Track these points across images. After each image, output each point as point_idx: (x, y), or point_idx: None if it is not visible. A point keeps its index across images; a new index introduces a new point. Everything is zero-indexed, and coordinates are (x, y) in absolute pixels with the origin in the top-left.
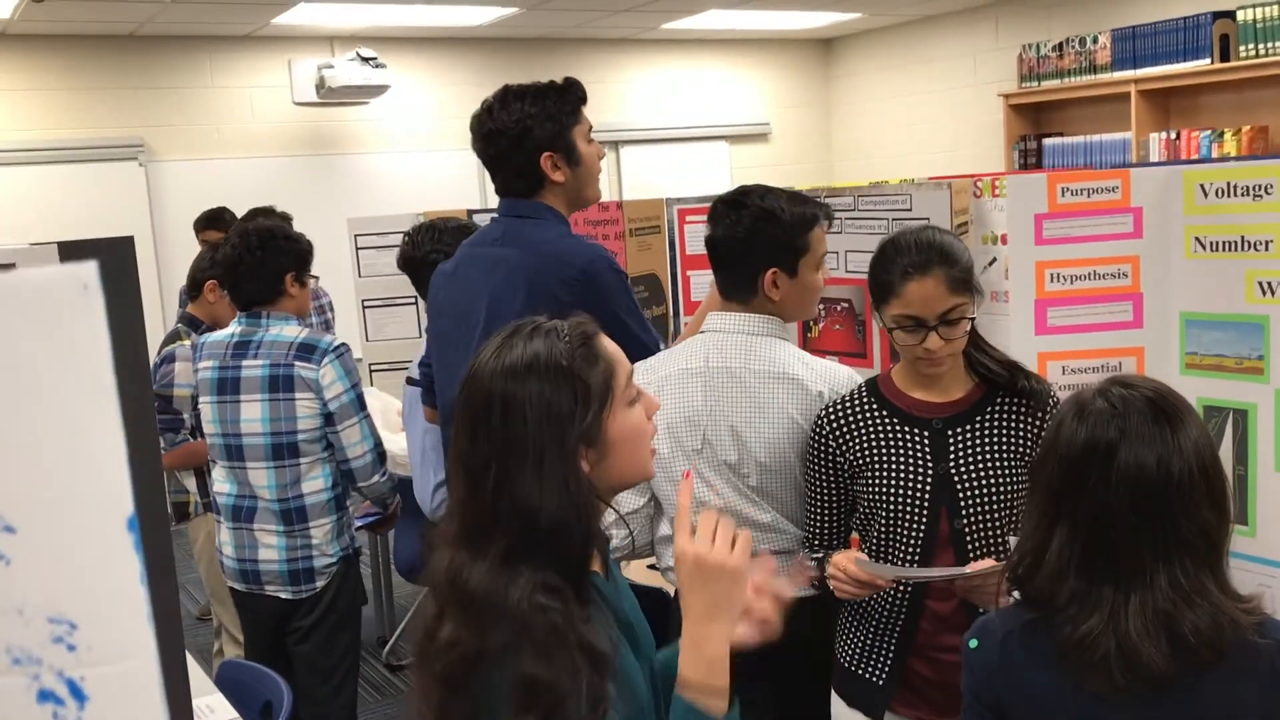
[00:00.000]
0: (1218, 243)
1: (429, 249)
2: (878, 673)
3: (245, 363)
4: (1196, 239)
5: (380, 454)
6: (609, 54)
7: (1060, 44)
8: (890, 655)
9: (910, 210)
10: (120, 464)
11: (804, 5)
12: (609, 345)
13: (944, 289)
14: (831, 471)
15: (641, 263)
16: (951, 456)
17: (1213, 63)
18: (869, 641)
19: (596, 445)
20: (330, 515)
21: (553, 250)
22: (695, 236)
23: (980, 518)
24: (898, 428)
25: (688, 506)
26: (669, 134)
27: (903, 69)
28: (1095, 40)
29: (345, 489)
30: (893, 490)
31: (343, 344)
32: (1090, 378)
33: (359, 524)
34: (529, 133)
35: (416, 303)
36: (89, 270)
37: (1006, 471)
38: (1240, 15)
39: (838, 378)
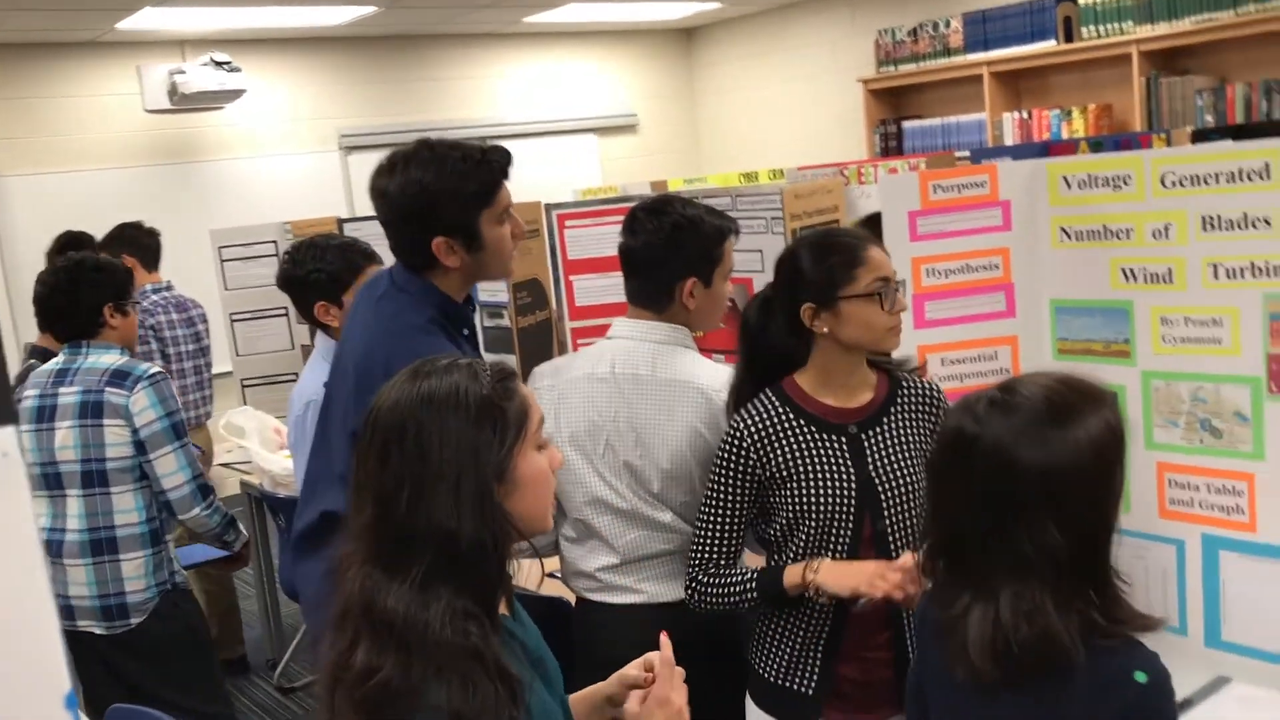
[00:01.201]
0: (1082, 232)
1: (311, 268)
2: (806, 683)
3: (62, 390)
4: (1062, 229)
5: (202, 486)
6: (473, 49)
7: (914, 29)
8: (818, 664)
9: (784, 209)
10: None
11: None
12: (525, 388)
13: (884, 253)
14: (748, 484)
15: (523, 268)
16: (870, 460)
17: (1058, 44)
18: (795, 652)
19: (505, 481)
20: (145, 549)
21: (397, 342)
22: (576, 242)
23: (901, 517)
24: (816, 435)
25: (672, 661)
26: (538, 128)
27: (763, 57)
28: (947, 24)
29: (163, 522)
30: (819, 499)
31: (159, 372)
32: (968, 368)
33: (201, 563)
34: (424, 210)
35: (288, 313)
36: None
37: (918, 469)
38: None
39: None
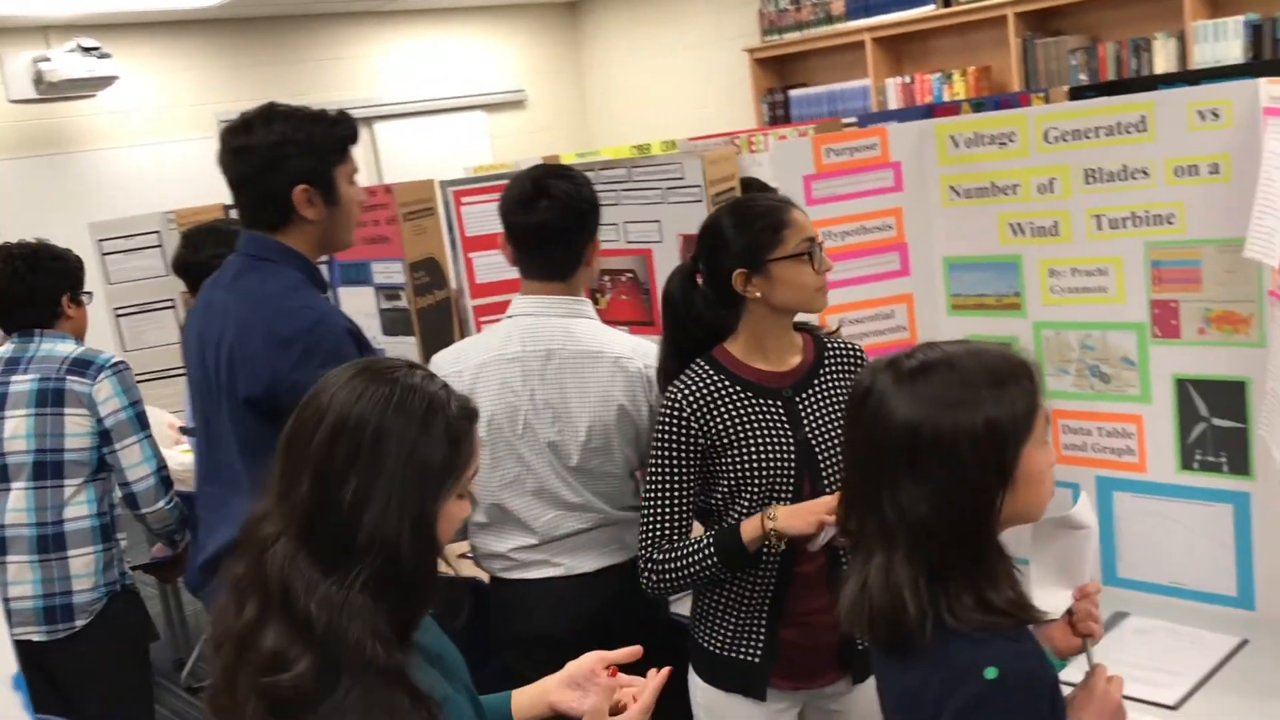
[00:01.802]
0: (971, 190)
1: (211, 253)
2: (753, 651)
3: (14, 378)
4: (951, 188)
5: (165, 478)
6: (353, 28)
7: None
8: (763, 630)
9: (683, 179)
10: None
11: None
12: (478, 432)
13: (804, 214)
14: (693, 454)
15: (419, 247)
16: (805, 422)
17: (936, 9)
18: (740, 620)
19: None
20: (94, 544)
21: (271, 306)
22: (474, 218)
23: (838, 478)
24: (753, 400)
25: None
26: (425, 106)
27: (649, 29)
28: None
29: (114, 518)
30: (762, 464)
31: (122, 361)
32: (866, 327)
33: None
34: (287, 158)
35: (175, 305)
36: None
37: None
38: None
39: (650, 352)
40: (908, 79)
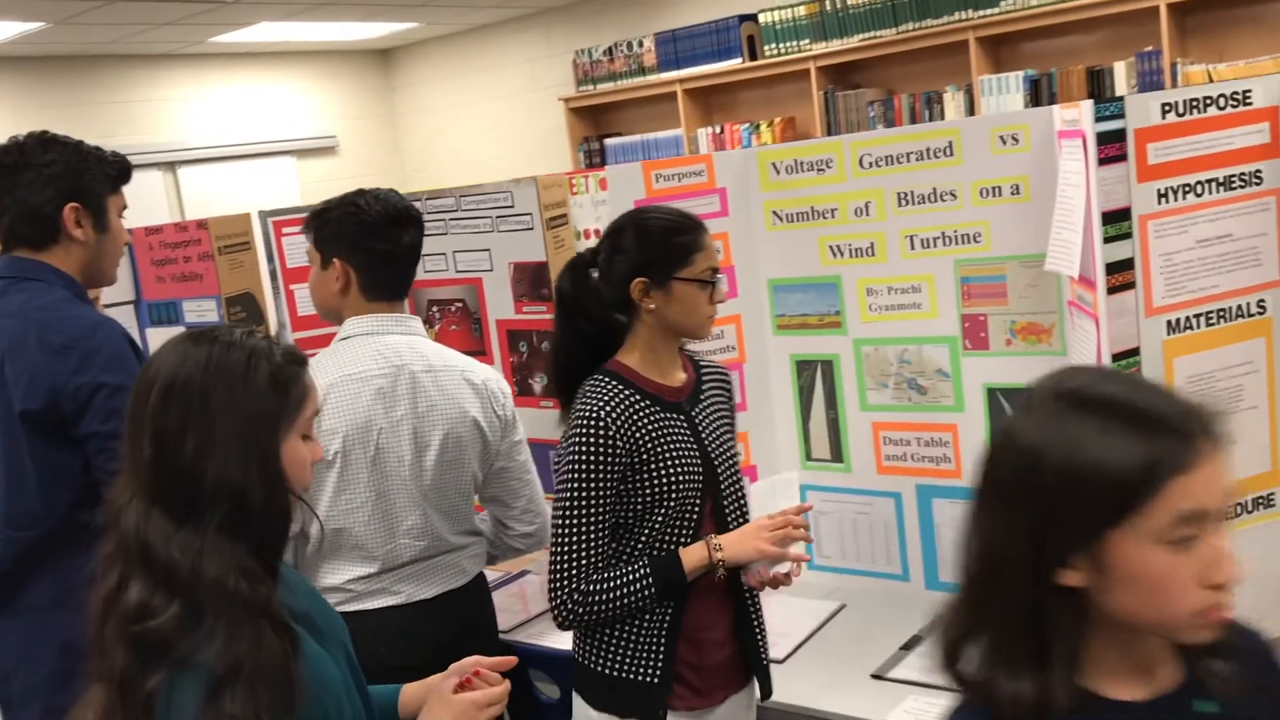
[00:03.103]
0: (792, 214)
1: None
2: (651, 672)
3: None
4: (774, 212)
5: None
6: (156, 70)
7: (610, 48)
8: (662, 649)
9: (513, 207)
10: None
11: (357, 16)
12: (309, 376)
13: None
14: (614, 472)
15: (235, 282)
16: (704, 435)
17: (743, 62)
18: (638, 641)
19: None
20: None
21: (43, 317)
22: (296, 249)
23: (732, 490)
24: (663, 415)
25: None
26: (232, 151)
27: (463, 78)
28: (641, 44)
29: None
30: (678, 481)
31: None
32: (698, 346)
33: None
34: (60, 176)
35: None
36: None
37: (733, 445)
38: (762, 18)
39: (487, 369)
40: (718, 129)
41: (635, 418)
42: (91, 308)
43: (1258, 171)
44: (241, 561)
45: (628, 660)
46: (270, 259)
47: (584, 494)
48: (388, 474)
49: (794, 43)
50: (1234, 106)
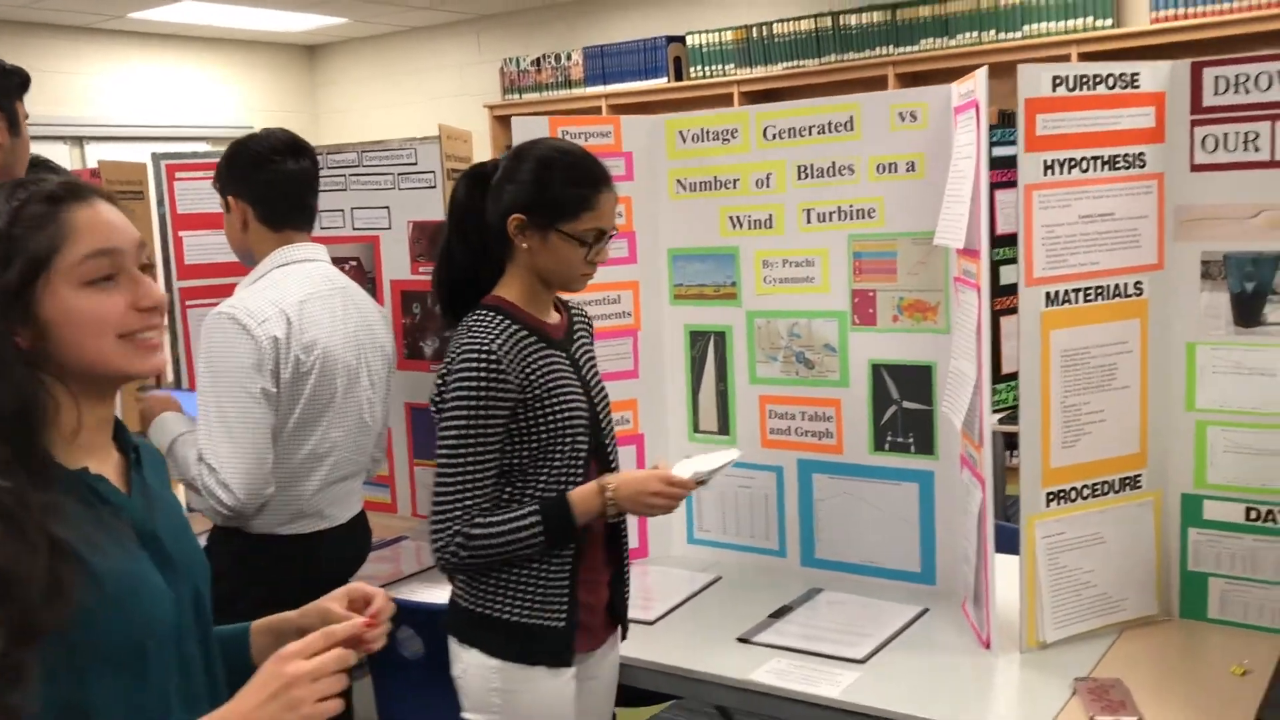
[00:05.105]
0: (695, 183)
1: None
2: (558, 615)
3: None
4: (678, 181)
5: None
6: (71, 42)
7: (538, 59)
8: (567, 590)
9: (416, 164)
10: None
11: (284, 4)
12: (83, 214)
13: (616, 201)
14: (504, 409)
15: None
16: (584, 374)
17: (669, 81)
18: (543, 583)
19: (27, 323)
20: None
21: None
22: (187, 195)
23: (609, 431)
24: (550, 352)
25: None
26: (144, 132)
27: (390, 79)
28: (569, 57)
29: None
30: (572, 419)
31: None
32: (594, 310)
33: None
34: None
35: None
36: None
37: (604, 386)
38: (690, 40)
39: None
40: None
41: (525, 353)
42: None
43: (1141, 154)
44: None
45: (534, 605)
46: (160, 203)
47: (472, 431)
48: (373, 381)
49: (719, 66)
50: (1123, 87)
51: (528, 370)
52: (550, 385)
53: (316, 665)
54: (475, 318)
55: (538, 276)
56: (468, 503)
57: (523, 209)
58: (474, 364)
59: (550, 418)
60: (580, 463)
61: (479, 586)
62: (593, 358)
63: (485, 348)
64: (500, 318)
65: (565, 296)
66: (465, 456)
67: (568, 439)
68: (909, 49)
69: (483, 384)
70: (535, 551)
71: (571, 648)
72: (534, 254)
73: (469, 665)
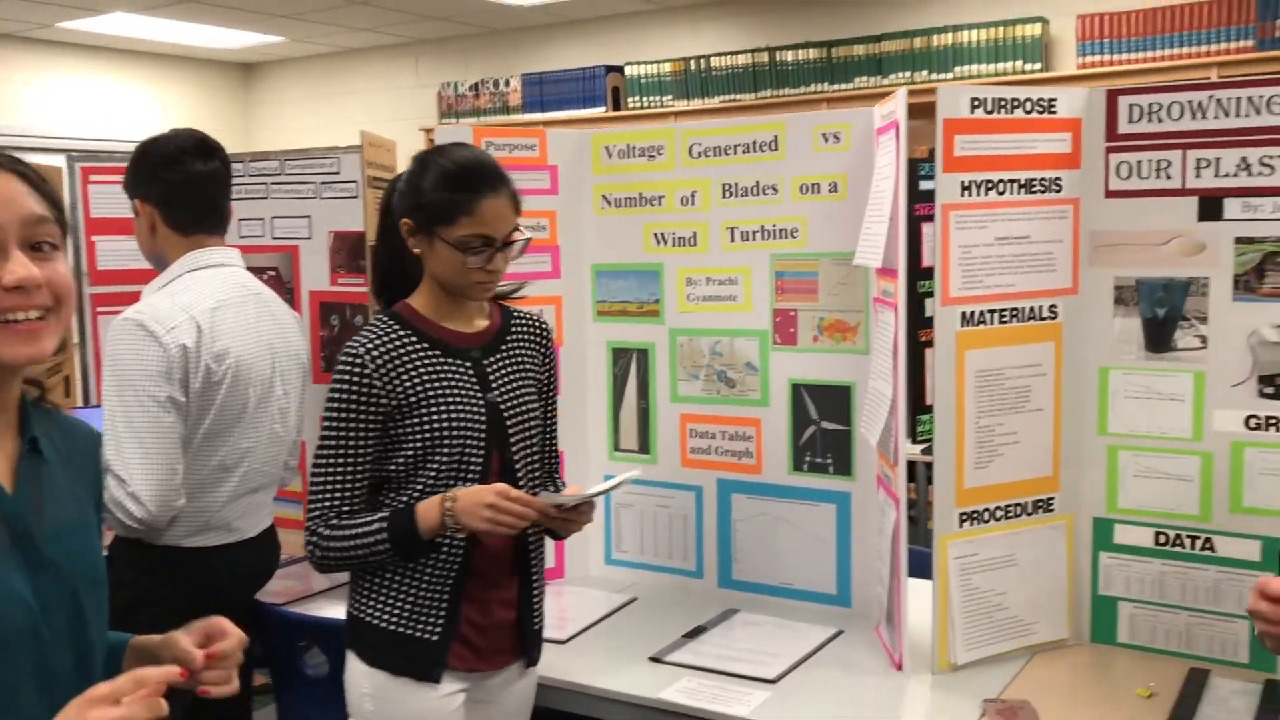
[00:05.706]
0: (621, 199)
1: None
2: (431, 628)
3: None
4: (604, 196)
5: None
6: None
7: (476, 84)
8: (445, 605)
9: (339, 173)
10: None
11: (218, 19)
12: None
13: (509, 208)
14: (374, 416)
15: None
16: (494, 386)
17: (607, 111)
18: (421, 595)
19: None
20: None
21: None
22: (101, 198)
23: (526, 446)
24: (442, 360)
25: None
26: (69, 144)
27: (326, 99)
28: (507, 83)
29: None
30: (452, 426)
31: None
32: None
33: None
34: None
35: None
36: None
37: (535, 399)
38: (629, 71)
39: None
40: None
41: (401, 361)
42: None
43: (1058, 179)
44: None
45: (406, 613)
46: (73, 208)
47: (338, 436)
48: (287, 389)
49: (657, 97)
50: (1039, 112)
51: (399, 378)
52: (426, 394)
53: (118, 716)
54: (369, 324)
55: (438, 282)
56: (327, 503)
57: (407, 214)
58: (343, 372)
59: (424, 426)
60: (472, 475)
61: (359, 590)
62: (526, 371)
63: (356, 356)
64: (390, 324)
65: (522, 310)
66: (329, 458)
67: (445, 450)
68: (843, 85)
69: (348, 391)
70: (386, 559)
71: (442, 664)
72: (426, 259)
73: (349, 669)
